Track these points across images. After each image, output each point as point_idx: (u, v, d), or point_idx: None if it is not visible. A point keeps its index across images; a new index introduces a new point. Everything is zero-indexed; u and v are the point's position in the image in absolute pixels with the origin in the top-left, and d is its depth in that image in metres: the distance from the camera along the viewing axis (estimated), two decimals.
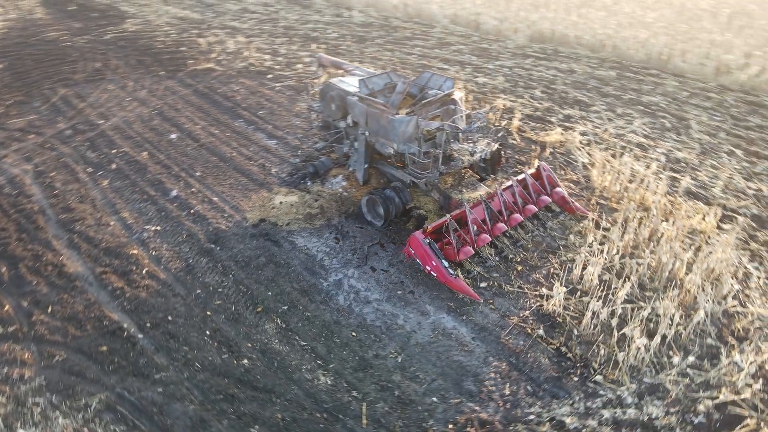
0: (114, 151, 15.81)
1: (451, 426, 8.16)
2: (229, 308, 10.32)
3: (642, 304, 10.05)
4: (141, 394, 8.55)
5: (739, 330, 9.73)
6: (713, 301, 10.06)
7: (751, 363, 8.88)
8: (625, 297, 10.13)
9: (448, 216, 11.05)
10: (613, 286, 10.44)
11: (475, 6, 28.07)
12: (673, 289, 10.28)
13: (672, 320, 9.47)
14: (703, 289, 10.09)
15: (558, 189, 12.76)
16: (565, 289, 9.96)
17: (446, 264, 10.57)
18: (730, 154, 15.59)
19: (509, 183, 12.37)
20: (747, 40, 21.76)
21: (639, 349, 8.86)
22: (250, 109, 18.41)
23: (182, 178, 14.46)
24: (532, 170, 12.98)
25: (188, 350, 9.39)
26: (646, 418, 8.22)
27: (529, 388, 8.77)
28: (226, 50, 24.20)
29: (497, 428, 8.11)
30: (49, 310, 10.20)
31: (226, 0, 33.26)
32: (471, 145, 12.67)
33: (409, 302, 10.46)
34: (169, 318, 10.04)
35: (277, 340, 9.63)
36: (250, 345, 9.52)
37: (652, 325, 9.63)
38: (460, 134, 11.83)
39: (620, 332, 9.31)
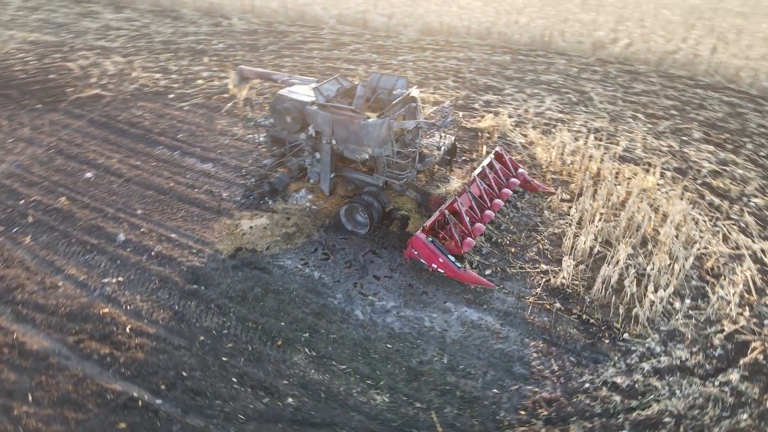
0: (22, 201, 13.56)
1: (522, 412, 8.34)
2: (246, 348, 9.47)
3: (631, 261, 11.04)
4: None
5: (711, 269, 11.10)
6: (683, 248, 11.36)
7: (734, 294, 10.21)
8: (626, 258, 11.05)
9: (446, 211, 11.16)
10: (607, 251, 11.33)
11: (358, 4, 28.29)
12: (651, 243, 11.42)
13: (660, 272, 10.54)
14: (677, 238, 11.35)
15: (521, 170, 13.46)
16: (573, 262, 10.60)
17: (452, 259, 10.68)
18: (634, 118, 17.59)
19: (478, 171, 12.77)
20: (606, 17, 24.56)
21: (653, 302, 9.75)
22: (166, 134, 16.84)
23: (123, 219, 12.85)
24: (492, 156, 13.54)
25: (222, 404, 8.48)
26: (678, 362, 9.10)
27: (572, 359, 9.25)
28: (106, 73, 21.79)
29: (564, 403, 8.45)
30: (30, 398, 8.56)
31: (81, 17, 29.86)
32: (436, 140, 12.91)
33: (427, 303, 10.42)
34: (184, 374, 8.96)
35: (313, 370, 9.05)
36: (286, 382, 8.84)
37: (644, 280, 10.62)
38: (436, 130, 11.97)
39: (631, 291, 10.13)
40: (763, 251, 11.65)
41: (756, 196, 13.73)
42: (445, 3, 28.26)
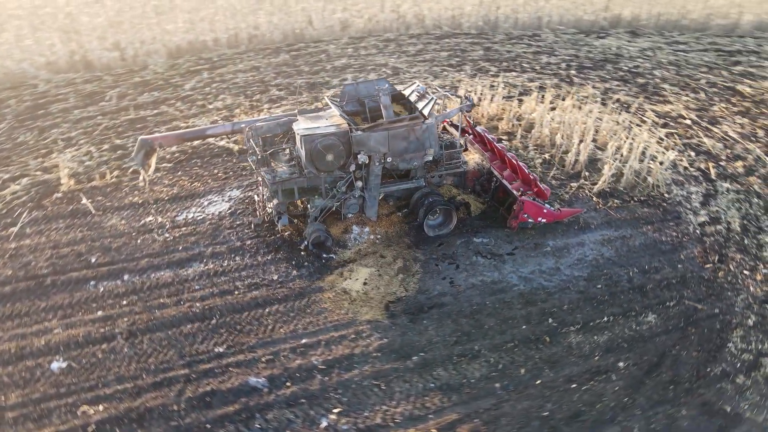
0: None
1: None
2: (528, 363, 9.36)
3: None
4: None
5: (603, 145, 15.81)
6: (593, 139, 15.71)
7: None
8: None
9: (530, 171, 12.42)
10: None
11: (68, 45, 22.28)
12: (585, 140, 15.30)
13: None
14: (597, 132, 15.72)
15: (479, 128, 15.21)
16: (613, 169, 13.74)
17: (549, 206, 12.33)
18: (483, 70, 21.08)
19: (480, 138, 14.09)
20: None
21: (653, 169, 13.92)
22: (114, 261, 11.57)
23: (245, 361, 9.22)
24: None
25: None
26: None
27: (670, 219, 12.71)
28: None
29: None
30: None
31: None
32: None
33: (571, 249, 11.95)
34: None
35: (588, 333, 9.88)
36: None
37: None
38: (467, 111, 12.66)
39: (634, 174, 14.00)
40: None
41: None
42: (163, 20, 24.87)
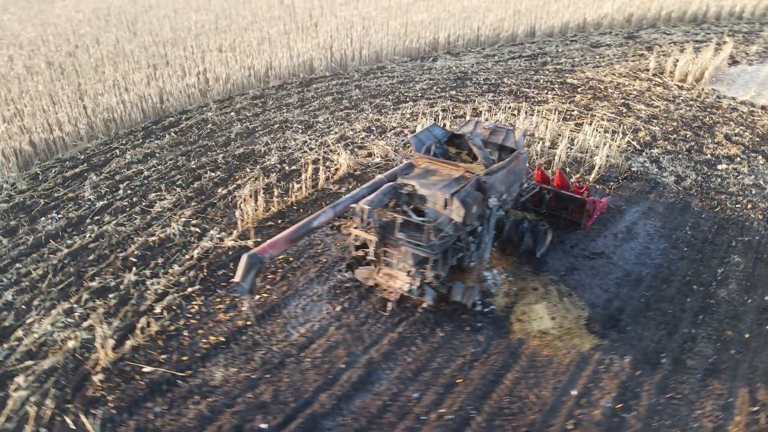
0: None
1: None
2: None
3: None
4: None
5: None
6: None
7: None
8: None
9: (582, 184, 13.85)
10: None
11: None
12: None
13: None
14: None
15: None
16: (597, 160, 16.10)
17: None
18: (381, 107, 20.99)
19: None
20: None
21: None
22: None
23: None
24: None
25: None
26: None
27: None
28: None
29: None
30: None
31: None
32: None
33: (632, 231, 13.87)
34: None
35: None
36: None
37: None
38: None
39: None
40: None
41: None
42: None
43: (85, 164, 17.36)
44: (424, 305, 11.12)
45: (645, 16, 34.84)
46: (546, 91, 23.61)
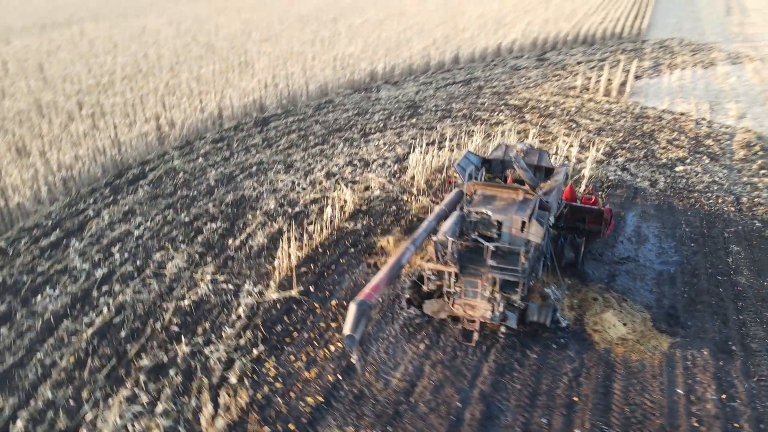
0: None
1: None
2: None
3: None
4: None
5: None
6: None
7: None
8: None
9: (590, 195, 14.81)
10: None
11: None
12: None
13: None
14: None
15: None
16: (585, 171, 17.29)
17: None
18: (349, 139, 20.68)
19: None
20: None
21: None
22: None
23: None
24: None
25: None
26: None
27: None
28: None
29: None
30: None
31: None
32: None
33: (641, 234, 15.08)
34: None
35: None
36: None
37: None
38: None
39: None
40: None
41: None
42: None
43: (58, 230, 15.31)
44: (503, 329, 11.23)
45: (547, 39, 38.31)
46: (497, 113, 25.00)
